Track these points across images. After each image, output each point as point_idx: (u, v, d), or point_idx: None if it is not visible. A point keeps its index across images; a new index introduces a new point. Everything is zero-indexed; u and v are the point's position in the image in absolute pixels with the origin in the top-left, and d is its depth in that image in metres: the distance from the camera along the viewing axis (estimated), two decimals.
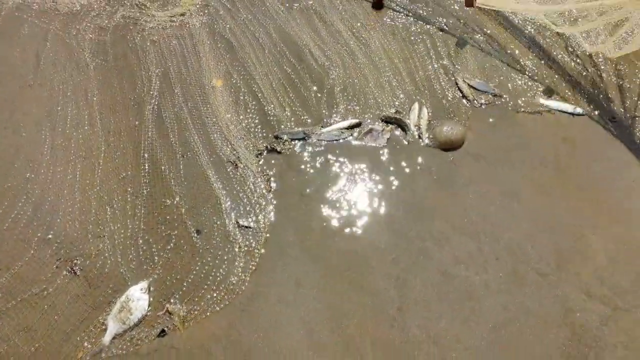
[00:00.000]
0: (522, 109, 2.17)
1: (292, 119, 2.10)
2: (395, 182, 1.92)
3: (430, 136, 2.08)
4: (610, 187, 1.91)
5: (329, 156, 1.99)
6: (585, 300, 1.64)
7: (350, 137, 2.07)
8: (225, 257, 1.71)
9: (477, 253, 1.73)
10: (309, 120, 2.10)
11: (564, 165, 1.98)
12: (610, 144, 2.05)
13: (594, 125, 2.11)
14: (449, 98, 2.20)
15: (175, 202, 1.83)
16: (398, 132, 2.10)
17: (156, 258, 1.70)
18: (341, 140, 2.05)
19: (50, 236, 1.72)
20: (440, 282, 1.67)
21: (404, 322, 1.58)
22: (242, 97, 2.16)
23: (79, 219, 1.77)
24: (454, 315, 1.59)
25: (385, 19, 2.49)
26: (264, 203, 1.84)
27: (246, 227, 1.78)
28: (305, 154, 1.99)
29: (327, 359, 1.51)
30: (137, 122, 2.05)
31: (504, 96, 2.21)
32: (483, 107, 2.17)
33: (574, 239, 1.78)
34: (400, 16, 2.51)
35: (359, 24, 2.46)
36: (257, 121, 2.09)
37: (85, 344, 1.52)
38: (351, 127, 2.09)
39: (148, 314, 1.58)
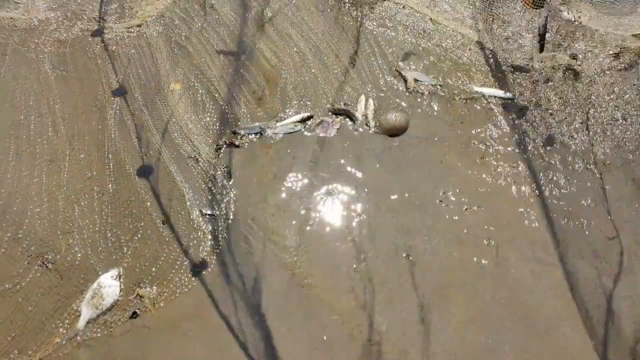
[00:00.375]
0: (458, 97, 2.39)
1: (248, 115, 2.25)
2: (346, 166, 2.10)
3: (377, 124, 2.28)
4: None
5: (284, 147, 2.15)
6: None
7: (303, 129, 2.23)
8: (191, 243, 1.83)
9: (419, 223, 1.93)
10: (264, 116, 2.26)
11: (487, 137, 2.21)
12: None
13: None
14: (393, 89, 2.40)
15: (140, 197, 1.94)
16: (348, 122, 2.27)
17: (125, 248, 1.81)
18: (295, 133, 2.22)
19: (20, 235, 1.81)
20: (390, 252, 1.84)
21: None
22: (199, 98, 2.30)
23: (48, 217, 1.86)
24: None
25: (331, 22, 2.69)
26: (224, 192, 1.98)
27: (210, 214, 1.91)
28: (262, 146, 2.14)
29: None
30: (99, 126, 2.16)
31: (442, 86, 2.43)
32: (424, 96, 2.39)
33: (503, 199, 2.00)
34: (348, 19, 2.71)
35: (307, 27, 2.64)
36: (215, 119, 2.23)
37: (61, 330, 1.61)
38: (304, 120, 2.26)
39: (120, 298, 1.68)
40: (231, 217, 1.92)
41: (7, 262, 1.74)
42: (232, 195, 1.98)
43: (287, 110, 2.29)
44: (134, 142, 2.11)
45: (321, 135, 2.22)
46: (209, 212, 1.91)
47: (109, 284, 1.68)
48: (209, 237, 1.85)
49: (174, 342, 1.61)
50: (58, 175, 1.98)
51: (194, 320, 1.66)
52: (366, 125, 2.27)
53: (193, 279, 1.74)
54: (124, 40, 2.54)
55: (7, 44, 2.45)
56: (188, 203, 1.94)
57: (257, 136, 2.19)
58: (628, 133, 2.24)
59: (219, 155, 2.12)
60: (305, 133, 2.22)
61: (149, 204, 1.92)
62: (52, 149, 2.07)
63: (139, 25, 2.60)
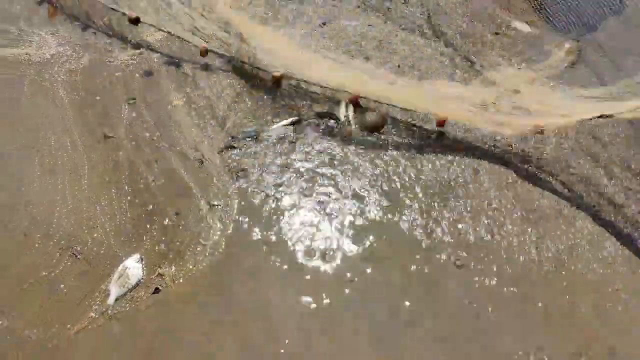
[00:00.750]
0: None
1: (244, 122, 2.56)
2: (333, 158, 2.40)
3: (357, 122, 2.60)
4: None
5: (278, 145, 2.45)
6: None
7: (293, 131, 2.54)
8: (202, 229, 2.09)
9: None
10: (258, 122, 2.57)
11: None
12: None
13: None
14: None
15: (154, 195, 2.21)
16: (331, 122, 2.59)
17: (144, 237, 2.06)
18: (286, 134, 2.52)
19: (50, 232, 2.05)
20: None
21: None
22: (201, 111, 2.61)
23: (73, 216, 2.11)
24: None
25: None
26: (228, 186, 2.26)
27: (216, 205, 2.18)
28: (258, 146, 2.44)
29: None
30: (114, 142, 2.43)
31: None
32: None
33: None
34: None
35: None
36: (215, 127, 2.53)
37: (94, 306, 1.83)
38: (293, 124, 2.57)
39: (143, 278, 1.92)
40: (235, 206, 2.18)
41: (42, 254, 1.97)
42: (235, 187, 2.25)
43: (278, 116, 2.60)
44: (145, 151, 2.39)
45: (311, 134, 2.52)
46: (215, 202, 2.18)
47: (132, 266, 1.93)
48: (218, 223, 2.11)
49: (191, 311, 1.84)
50: (79, 182, 2.24)
51: (209, 292, 1.89)
52: (348, 124, 2.58)
53: (206, 259, 1.99)
54: (129, 67, 2.85)
55: (25, 75, 2.75)
56: (197, 197, 2.21)
57: (253, 139, 2.48)
58: None
59: (221, 156, 2.40)
60: (296, 134, 2.52)
61: (162, 200, 2.18)
62: (72, 161, 2.33)
63: (141, 53, 2.93)
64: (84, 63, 2.85)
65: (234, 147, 2.45)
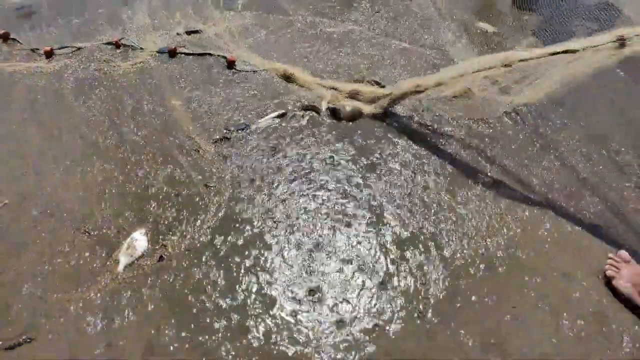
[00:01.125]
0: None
1: (235, 117, 2.84)
2: (315, 144, 2.67)
3: (338, 112, 2.88)
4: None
5: (265, 134, 2.73)
6: None
7: (280, 122, 2.82)
8: (201, 208, 2.35)
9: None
10: (248, 115, 2.85)
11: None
12: None
13: None
14: None
15: (157, 180, 2.47)
16: (313, 114, 2.88)
17: (148, 216, 2.31)
18: (273, 125, 2.80)
19: (64, 215, 2.31)
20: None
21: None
22: (197, 109, 2.90)
23: (84, 203, 2.36)
24: None
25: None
26: (222, 170, 2.53)
27: (212, 186, 2.44)
28: (248, 135, 2.72)
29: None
30: (117, 135, 2.72)
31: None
32: None
33: None
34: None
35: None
36: (209, 122, 2.81)
37: (106, 274, 2.08)
38: (280, 116, 2.86)
39: (148, 248, 2.17)
40: (230, 188, 2.45)
41: (58, 233, 2.23)
42: (228, 172, 2.52)
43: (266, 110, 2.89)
44: (147, 143, 2.66)
45: (294, 125, 2.81)
46: (211, 184, 2.44)
47: (139, 238, 2.18)
48: (214, 202, 2.37)
49: (193, 273, 2.08)
50: (89, 169, 2.51)
51: (207, 255, 2.14)
52: (329, 115, 2.87)
53: (204, 231, 2.24)
54: (130, 74, 3.16)
55: (38, 85, 3.06)
56: (193, 180, 2.47)
57: (244, 130, 2.76)
58: None
59: (214, 146, 2.68)
60: (282, 124, 2.81)
61: (163, 183, 2.45)
62: (82, 155, 2.60)
63: (142, 62, 3.24)
64: (90, 72, 3.15)
65: (227, 138, 2.73)
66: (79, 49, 3.32)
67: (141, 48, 3.31)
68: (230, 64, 3.18)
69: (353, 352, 1.83)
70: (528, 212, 2.36)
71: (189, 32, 3.44)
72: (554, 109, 2.96)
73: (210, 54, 3.29)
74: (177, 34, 3.45)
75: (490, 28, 3.58)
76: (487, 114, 2.87)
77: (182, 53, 3.30)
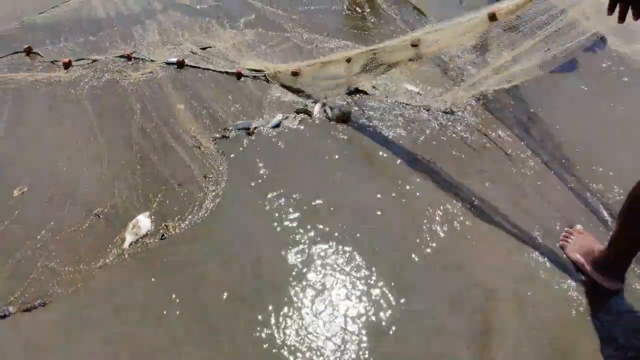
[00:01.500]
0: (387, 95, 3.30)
1: (234, 119, 3.12)
2: (309, 143, 2.93)
3: (329, 116, 3.15)
4: None
5: (262, 134, 3.00)
6: None
7: (275, 123, 3.10)
8: (199, 196, 2.59)
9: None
10: (245, 118, 3.13)
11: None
12: None
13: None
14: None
15: (162, 172, 2.73)
16: (306, 116, 3.15)
17: (153, 201, 2.56)
18: (269, 126, 3.07)
19: (78, 199, 2.57)
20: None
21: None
22: (199, 111, 3.19)
23: (95, 189, 2.63)
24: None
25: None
26: (220, 164, 2.78)
27: (210, 177, 2.70)
28: (245, 135, 2.99)
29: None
30: (128, 135, 3.00)
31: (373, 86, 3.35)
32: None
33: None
34: None
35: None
36: (210, 123, 3.09)
37: (113, 250, 2.31)
38: (275, 123, 3.13)
39: (152, 229, 2.41)
40: (225, 178, 2.70)
41: (71, 215, 2.47)
42: (225, 165, 2.77)
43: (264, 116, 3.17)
44: (154, 142, 2.94)
45: (290, 126, 3.08)
46: (210, 175, 2.69)
47: (143, 220, 2.42)
48: (211, 190, 2.61)
49: (194, 250, 2.31)
50: (101, 164, 2.78)
51: (205, 235, 2.37)
52: (321, 117, 3.14)
53: (204, 215, 2.48)
54: (140, 83, 3.47)
55: (56, 92, 3.37)
56: (194, 173, 2.73)
57: (243, 131, 3.03)
58: None
59: (214, 143, 2.94)
60: (279, 126, 3.08)
61: (167, 175, 2.71)
62: (96, 151, 2.88)
63: (151, 72, 3.56)
64: (104, 81, 3.47)
65: (226, 137, 3.00)
66: (94, 61, 3.63)
67: (151, 60, 3.63)
68: (239, 76, 3.47)
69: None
70: None
71: (203, 48, 3.72)
72: None
73: (217, 71, 3.57)
74: (191, 52, 3.74)
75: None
76: None
77: (189, 65, 3.61)
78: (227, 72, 3.55)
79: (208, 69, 3.60)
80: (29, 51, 3.72)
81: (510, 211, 2.48)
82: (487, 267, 2.22)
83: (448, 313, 2.04)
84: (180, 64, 3.59)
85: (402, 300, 2.09)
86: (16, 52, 3.78)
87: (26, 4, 4.48)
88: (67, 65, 3.56)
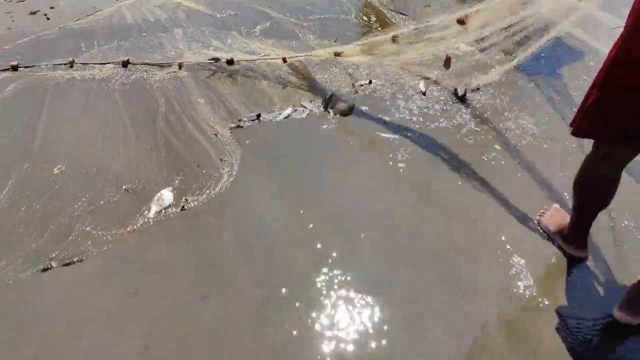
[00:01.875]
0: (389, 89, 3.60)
1: (248, 111, 3.46)
2: (314, 131, 3.25)
3: (332, 109, 3.46)
4: None
5: (272, 124, 3.33)
6: None
7: (285, 115, 3.42)
8: (216, 175, 2.92)
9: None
10: (258, 110, 3.46)
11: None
12: None
13: None
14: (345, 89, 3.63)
15: (183, 155, 3.07)
16: (313, 110, 3.46)
17: (175, 179, 2.89)
18: (280, 117, 3.40)
19: (110, 178, 2.91)
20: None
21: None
22: (217, 105, 3.53)
23: (125, 169, 2.96)
24: None
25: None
26: (235, 149, 3.11)
27: (225, 160, 3.02)
28: (258, 125, 3.32)
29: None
30: (152, 123, 3.35)
31: (378, 82, 3.66)
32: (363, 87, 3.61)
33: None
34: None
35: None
36: (226, 115, 3.44)
37: (139, 218, 2.64)
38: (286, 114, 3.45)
39: (174, 201, 2.73)
40: (239, 161, 3.02)
41: (104, 190, 2.81)
42: (239, 150, 3.10)
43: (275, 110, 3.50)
44: (176, 130, 3.28)
45: (297, 117, 3.40)
46: (225, 158, 3.02)
47: (166, 194, 2.74)
48: (227, 169, 2.94)
49: (210, 220, 2.62)
50: (129, 150, 3.13)
51: (219, 210, 2.68)
52: (325, 110, 3.46)
53: (219, 191, 2.80)
54: (164, 80, 3.84)
55: (91, 88, 3.76)
56: (212, 156, 3.06)
57: (256, 121, 3.36)
58: None
59: (230, 131, 3.28)
60: (288, 117, 3.40)
61: (189, 157, 3.04)
62: (125, 138, 3.24)
63: (175, 71, 3.94)
64: (133, 79, 3.85)
65: (240, 127, 3.33)
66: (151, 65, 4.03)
67: (212, 60, 3.99)
68: (284, 60, 3.80)
69: None
70: None
71: (229, 62, 4.02)
72: None
73: (264, 59, 3.92)
74: (213, 59, 4.08)
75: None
76: None
77: (209, 70, 3.97)
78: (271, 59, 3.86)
79: (253, 61, 3.92)
80: (71, 64, 4.07)
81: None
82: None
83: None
84: (230, 62, 3.92)
85: (413, 275, 2.35)
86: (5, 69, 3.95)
87: (67, 12, 4.95)
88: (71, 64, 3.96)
